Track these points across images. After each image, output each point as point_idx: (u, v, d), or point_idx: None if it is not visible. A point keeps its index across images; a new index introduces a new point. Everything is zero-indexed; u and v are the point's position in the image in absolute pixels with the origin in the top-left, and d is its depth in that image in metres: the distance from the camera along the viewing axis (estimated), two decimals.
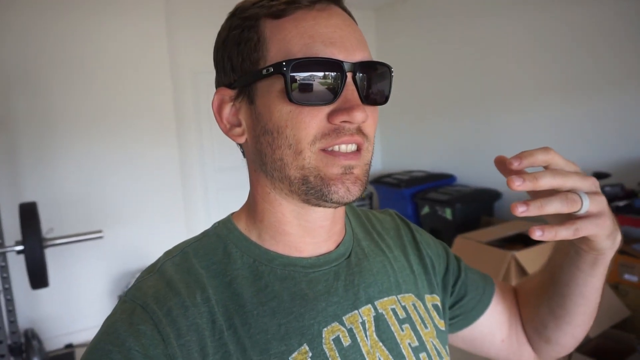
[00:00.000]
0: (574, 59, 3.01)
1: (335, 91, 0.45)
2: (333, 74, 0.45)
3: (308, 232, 0.53)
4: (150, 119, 3.31)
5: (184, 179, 3.70)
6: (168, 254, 0.53)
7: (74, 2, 2.99)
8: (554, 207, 0.43)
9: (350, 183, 0.47)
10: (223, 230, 0.54)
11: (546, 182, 0.43)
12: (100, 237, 2.21)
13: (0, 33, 2.80)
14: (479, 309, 0.67)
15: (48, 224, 2.42)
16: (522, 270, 2.23)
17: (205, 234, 0.55)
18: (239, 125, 0.52)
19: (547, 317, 0.63)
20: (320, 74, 0.45)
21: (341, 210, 0.56)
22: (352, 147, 0.47)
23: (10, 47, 2.83)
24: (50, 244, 2.14)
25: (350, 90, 0.46)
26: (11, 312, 2.44)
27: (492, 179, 3.66)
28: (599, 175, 2.68)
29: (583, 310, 0.60)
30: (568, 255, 0.56)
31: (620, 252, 2.48)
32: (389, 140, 4.75)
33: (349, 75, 0.46)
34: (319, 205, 0.49)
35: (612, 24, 2.80)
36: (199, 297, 0.47)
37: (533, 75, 3.29)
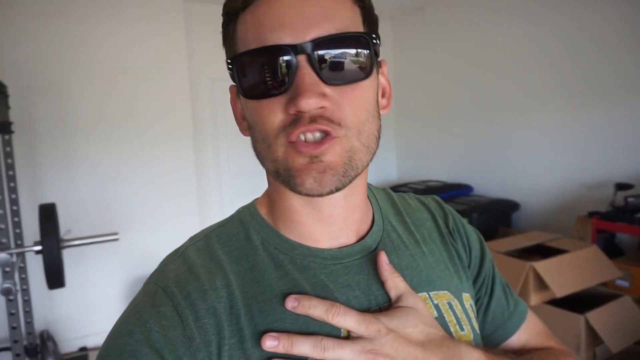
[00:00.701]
0: (597, 66, 2.96)
1: (287, 79, 0.42)
2: (281, 60, 0.42)
3: (318, 220, 0.51)
4: (168, 125, 3.35)
5: (200, 185, 3.73)
6: (192, 239, 0.54)
7: (94, 7, 3.06)
8: (317, 311, 0.45)
9: (317, 173, 0.43)
10: (246, 216, 0.54)
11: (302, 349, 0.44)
12: (116, 240, 2.22)
13: (20, 37, 2.87)
14: (501, 335, 0.62)
15: (66, 225, 2.45)
16: (540, 281, 2.18)
17: (229, 219, 0.55)
18: (246, 119, 0.52)
19: None
20: (270, 63, 0.42)
21: (356, 198, 0.52)
22: (317, 135, 0.43)
23: (31, 52, 2.90)
24: (67, 245, 2.17)
25: (301, 75, 0.42)
26: (28, 312, 2.47)
27: (509, 189, 3.60)
28: (622, 186, 2.62)
29: None
30: None
31: None
32: (405, 149, 4.72)
33: (301, 58, 0.42)
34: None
35: (636, 28, 2.75)
36: (218, 282, 0.47)
37: (552, 83, 3.25)
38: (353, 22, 0.46)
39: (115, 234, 2.22)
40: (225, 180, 4.25)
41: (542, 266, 2.20)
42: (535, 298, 2.20)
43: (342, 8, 0.45)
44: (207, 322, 0.45)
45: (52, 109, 3.00)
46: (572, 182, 3.16)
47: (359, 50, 0.44)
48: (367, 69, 0.45)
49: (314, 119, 0.43)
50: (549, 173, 3.32)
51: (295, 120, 0.43)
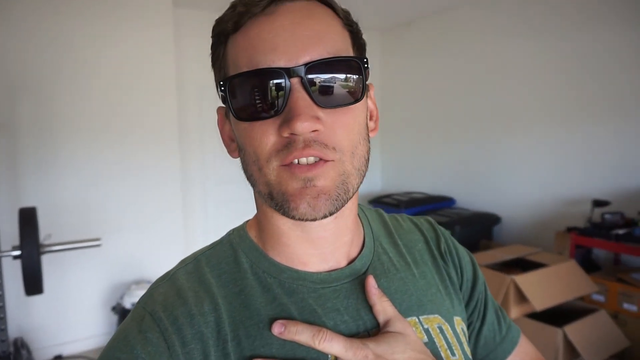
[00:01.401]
0: (577, 85, 3.05)
1: (281, 101, 0.42)
2: (273, 83, 0.42)
3: (308, 243, 0.50)
4: (154, 130, 3.32)
5: (185, 191, 3.70)
6: (183, 261, 0.53)
7: (81, 8, 3.02)
8: (303, 337, 0.45)
9: (311, 198, 0.43)
10: (236, 239, 0.54)
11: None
12: (98, 245, 2.19)
13: (4, 37, 2.81)
14: (504, 350, 0.62)
15: (46, 230, 2.40)
16: (521, 295, 2.22)
17: (220, 241, 0.55)
18: (234, 140, 0.51)
19: None
20: (262, 85, 0.42)
21: (346, 220, 0.51)
22: (311, 160, 0.43)
23: (14, 52, 2.84)
24: (47, 250, 2.12)
25: (294, 98, 0.42)
26: (2, 319, 2.40)
27: (491, 203, 3.66)
28: (599, 203, 2.69)
29: None
30: None
31: (620, 280, 2.47)
32: (389, 161, 4.77)
33: (295, 81, 0.42)
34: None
35: (617, 53, 2.85)
36: (206, 306, 0.47)
37: (534, 101, 3.33)
38: (344, 46, 0.46)
39: (98, 239, 2.19)
40: (210, 187, 4.22)
41: (523, 280, 2.24)
42: (515, 311, 2.23)
43: (333, 32, 0.45)
44: (194, 347, 0.44)
45: (34, 110, 2.94)
46: (551, 198, 3.23)
47: (352, 74, 0.45)
48: (358, 93, 0.45)
49: (307, 143, 0.42)
50: (530, 188, 3.39)
51: (289, 143, 0.43)
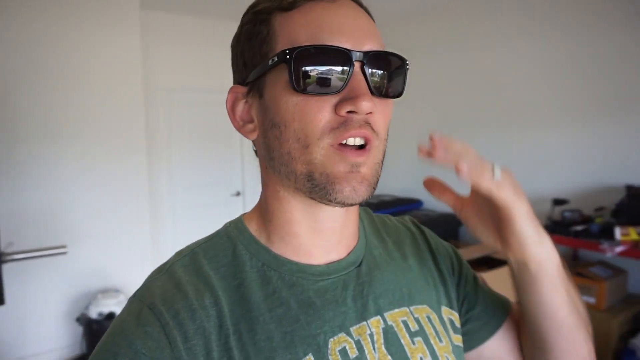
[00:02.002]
0: (533, 92, 3.20)
1: (342, 80, 0.44)
2: (340, 62, 0.44)
3: (317, 233, 0.51)
4: (120, 134, 3.24)
5: (152, 197, 3.62)
6: (178, 254, 0.52)
7: (44, 9, 2.92)
8: (462, 154, 0.46)
9: (356, 182, 0.45)
10: (234, 231, 0.53)
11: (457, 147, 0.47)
12: (64, 253, 2.11)
13: None
14: (488, 329, 0.62)
15: (7, 238, 2.30)
16: None
17: (216, 234, 0.54)
18: (251, 121, 0.51)
19: (531, 348, 0.59)
20: (327, 61, 0.44)
21: (353, 213, 0.54)
22: (359, 141, 0.45)
23: None
24: (9, 259, 2.03)
25: (357, 80, 0.44)
26: None
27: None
28: (558, 202, 2.83)
29: (556, 334, 0.54)
30: (516, 277, 0.54)
31: (578, 274, 2.61)
32: None
33: (357, 64, 0.45)
34: (326, 204, 0.48)
35: (577, 58, 3.01)
36: (207, 299, 0.46)
37: (492, 104, 3.47)
38: (384, 47, 0.49)
39: (64, 247, 2.11)
40: (178, 192, 4.15)
41: (488, 277, 2.32)
42: None
43: (379, 33, 0.49)
44: (196, 343, 0.43)
45: None
46: None
47: (400, 71, 0.49)
48: (401, 89, 0.49)
49: (362, 124, 0.45)
50: None
51: (345, 122, 0.44)
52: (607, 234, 2.51)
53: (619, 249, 2.43)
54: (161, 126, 3.95)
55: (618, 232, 2.50)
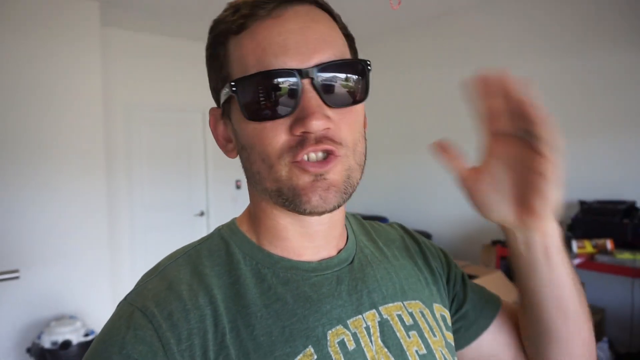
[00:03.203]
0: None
1: (292, 101, 0.44)
2: (286, 84, 0.43)
3: (305, 236, 0.52)
4: (78, 152, 3.12)
5: (111, 219, 3.49)
6: (171, 256, 0.52)
7: (1, 24, 2.82)
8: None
9: (322, 190, 0.45)
10: (227, 232, 0.54)
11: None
12: (16, 278, 1.99)
13: None
14: (480, 325, 0.63)
15: None
16: None
17: (209, 236, 0.54)
18: (231, 141, 0.52)
19: (534, 338, 0.59)
20: (274, 87, 0.43)
21: (338, 214, 0.54)
22: (321, 155, 0.45)
23: None
24: None
25: (307, 98, 0.44)
26: None
27: (422, 221, 3.84)
28: None
29: (562, 316, 0.54)
30: (523, 257, 0.52)
31: None
32: None
33: (306, 82, 0.44)
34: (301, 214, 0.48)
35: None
36: (201, 299, 0.46)
37: (457, 124, 3.58)
38: (345, 50, 0.49)
39: (16, 271, 1.99)
40: (138, 213, 4.02)
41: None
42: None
43: (336, 36, 0.48)
44: (191, 343, 0.43)
45: None
46: (477, 214, 3.45)
47: (358, 75, 0.47)
48: (363, 93, 0.48)
49: (319, 140, 0.44)
50: (457, 205, 3.60)
51: (302, 141, 0.44)
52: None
53: (576, 261, 2.53)
54: (121, 145, 3.84)
55: (575, 246, 2.60)
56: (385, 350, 0.50)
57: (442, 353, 0.54)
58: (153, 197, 4.10)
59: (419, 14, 3.73)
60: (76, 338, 2.71)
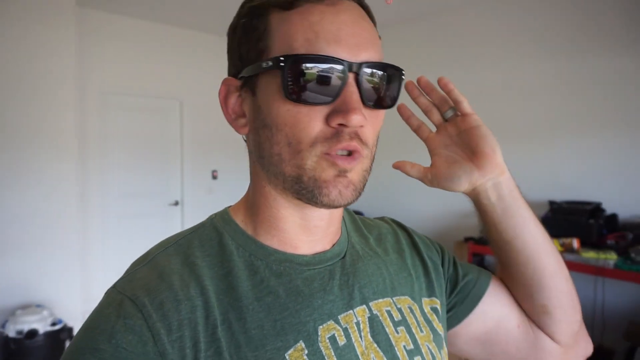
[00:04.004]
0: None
1: (334, 92, 0.44)
2: (333, 73, 0.44)
3: (303, 229, 0.52)
4: (48, 135, 3.02)
5: (83, 206, 3.40)
6: (162, 245, 0.51)
7: None
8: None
9: (342, 186, 0.46)
10: (219, 222, 0.53)
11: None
12: None
13: None
14: (479, 290, 0.65)
15: None
16: None
17: (200, 225, 0.53)
18: (244, 116, 0.51)
19: (526, 286, 0.63)
20: (321, 72, 0.43)
21: (338, 211, 0.55)
22: (347, 152, 0.46)
23: None
24: None
25: (349, 92, 0.44)
26: None
27: (396, 216, 3.86)
28: None
29: (536, 255, 0.60)
30: (494, 208, 0.59)
31: None
32: None
33: (351, 75, 0.44)
34: (312, 205, 0.48)
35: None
36: (192, 290, 0.45)
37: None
38: (382, 55, 0.49)
39: None
40: (112, 201, 3.94)
41: None
42: None
43: (377, 40, 0.49)
44: (182, 334, 0.42)
45: None
46: (450, 211, 3.53)
47: (395, 82, 0.49)
48: (394, 100, 0.50)
49: (352, 136, 0.45)
50: (431, 203, 3.66)
51: (337, 133, 0.45)
52: None
53: None
54: (94, 129, 3.75)
55: None
56: (375, 345, 0.51)
57: (429, 348, 0.55)
58: (127, 184, 4.02)
59: (411, 11, 3.75)
60: (43, 327, 2.65)
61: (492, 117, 3.22)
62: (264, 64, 0.45)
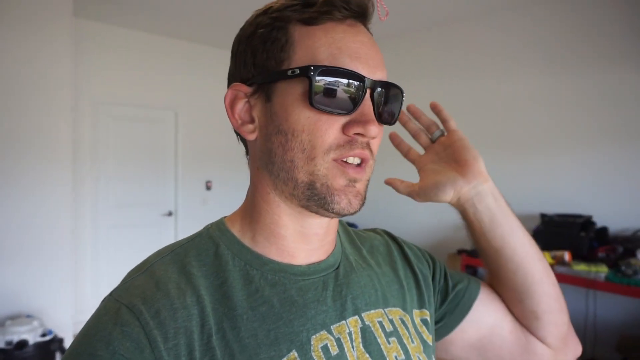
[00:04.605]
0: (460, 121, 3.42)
1: (354, 103, 0.47)
2: (355, 86, 0.47)
3: (302, 238, 0.53)
4: (42, 143, 3.00)
5: (75, 216, 3.39)
6: (159, 253, 0.51)
7: None
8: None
9: (352, 196, 0.49)
10: (215, 232, 0.54)
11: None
12: None
13: None
14: (470, 298, 0.66)
15: None
16: None
17: (197, 235, 0.54)
18: (252, 122, 0.52)
19: (516, 293, 0.64)
20: (343, 84, 0.47)
21: (335, 221, 0.57)
22: (357, 160, 0.49)
23: None
24: None
25: (367, 105, 0.48)
26: None
27: (391, 228, 3.87)
28: None
29: (525, 261, 0.62)
30: (482, 217, 0.62)
31: None
32: None
33: (368, 91, 0.48)
34: (318, 213, 0.50)
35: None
36: (189, 298, 0.46)
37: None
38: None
39: None
40: (104, 211, 3.92)
41: None
42: None
43: (384, 63, 0.53)
44: (178, 342, 0.43)
45: None
46: (444, 224, 3.54)
47: (398, 102, 0.54)
48: (396, 118, 0.55)
49: (364, 146, 0.49)
50: (425, 215, 3.68)
51: (351, 142, 0.48)
52: None
53: None
54: (88, 138, 3.75)
55: None
56: (367, 355, 0.51)
57: (420, 358, 0.56)
58: (120, 194, 4.00)
59: (412, 24, 3.79)
60: (33, 338, 2.61)
61: (486, 129, 3.27)
62: (289, 72, 0.47)
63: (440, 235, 3.57)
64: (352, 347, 0.51)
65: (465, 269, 3.03)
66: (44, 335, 2.69)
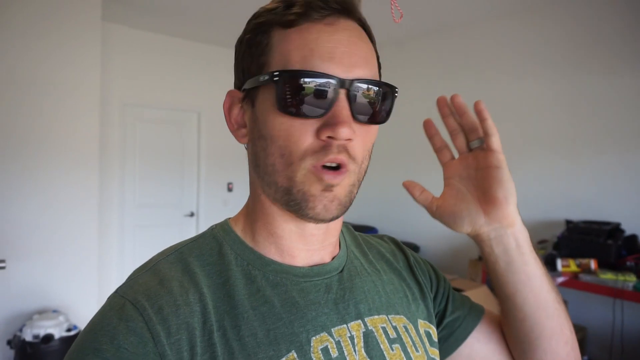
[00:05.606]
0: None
1: (325, 106, 0.46)
2: (325, 88, 0.45)
3: (300, 237, 0.53)
4: (72, 145, 3.10)
5: (101, 215, 3.47)
6: (163, 253, 0.53)
7: (2, 17, 2.82)
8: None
9: (328, 201, 0.48)
10: (220, 232, 0.55)
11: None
12: (2, 268, 1.98)
13: None
14: (467, 328, 0.65)
15: None
16: None
17: (201, 235, 0.55)
18: (245, 126, 0.53)
19: (520, 339, 0.60)
20: (312, 87, 0.45)
21: (335, 224, 0.56)
22: (334, 165, 0.47)
23: None
24: None
25: (340, 107, 0.46)
26: None
27: (410, 233, 3.86)
28: None
29: (543, 313, 0.57)
30: (497, 260, 0.57)
31: None
32: None
33: (342, 91, 0.46)
34: (299, 218, 0.50)
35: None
36: (191, 296, 0.47)
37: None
38: (377, 73, 0.52)
39: (2, 261, 1.98)
40: (128, 210, 4.01)
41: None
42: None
43: (373, 58, 0.51)
44: (180, 338, 0.44)
45: None
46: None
47: (386, 99, 0.50)
48: (385, 116, 0.51)
49: (340, 150, 0.47)
50: None
51: (325, 147, 0.46)
52: (549, 265, 2.64)
53: (560, 279, 2.56)
54: (115, 140, 3.84)
55: (559, 264, 2.64)
56: None
57: None
58: (144, 194, 4.09)
59: (416, 29, 3.78)
60: (58, 332, 2.69)
61: (510, 133, 3.21)
62: (261, 78, 0.48)
63: (462, 241, 3.51)
64: (354, 351, 0.50)
65: (486, 275, 2.98)
66: (69, 330, 2.76)
